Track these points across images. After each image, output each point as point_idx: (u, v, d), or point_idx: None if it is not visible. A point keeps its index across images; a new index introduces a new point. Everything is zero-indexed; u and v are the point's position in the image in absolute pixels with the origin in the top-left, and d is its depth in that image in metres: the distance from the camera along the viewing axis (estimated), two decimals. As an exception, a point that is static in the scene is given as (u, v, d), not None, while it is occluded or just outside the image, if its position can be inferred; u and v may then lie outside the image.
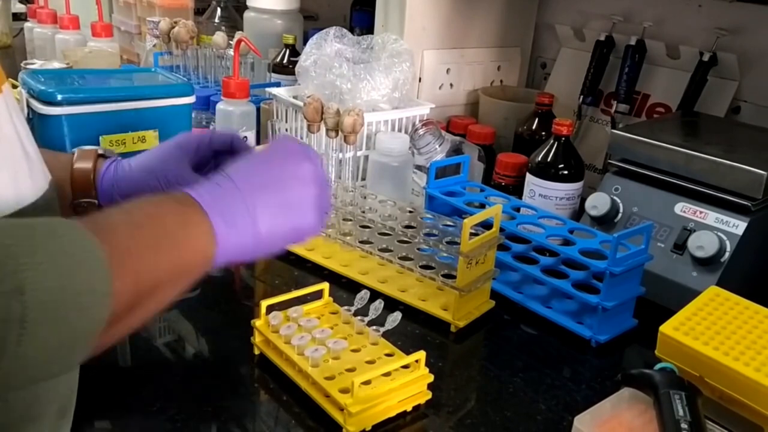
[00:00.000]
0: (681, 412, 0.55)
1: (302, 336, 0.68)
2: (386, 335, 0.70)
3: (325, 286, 0.76)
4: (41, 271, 0.37)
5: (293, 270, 0.90)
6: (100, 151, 0.68)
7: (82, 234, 0.41)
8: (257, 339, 0.71)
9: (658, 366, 0.61)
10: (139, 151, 0.96)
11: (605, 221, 0.90)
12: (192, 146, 0.68)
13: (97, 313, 0.40)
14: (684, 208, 0.84)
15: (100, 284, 0.40)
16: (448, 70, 1.26)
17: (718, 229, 0.81)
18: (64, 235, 0.40)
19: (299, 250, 0.92)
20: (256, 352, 0.71)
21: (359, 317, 0.72)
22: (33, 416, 0.49)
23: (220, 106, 1.16)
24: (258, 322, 0.70)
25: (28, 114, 0.96)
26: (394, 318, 0.71)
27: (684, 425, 0.53)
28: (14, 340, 0.36)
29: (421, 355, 0.64)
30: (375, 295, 0.77)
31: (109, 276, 0.40)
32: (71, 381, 0.54)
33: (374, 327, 0.70)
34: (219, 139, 0.69)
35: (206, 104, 1.28)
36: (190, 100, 1.03)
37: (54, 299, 0.37)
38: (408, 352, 0.65)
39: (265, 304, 0.70)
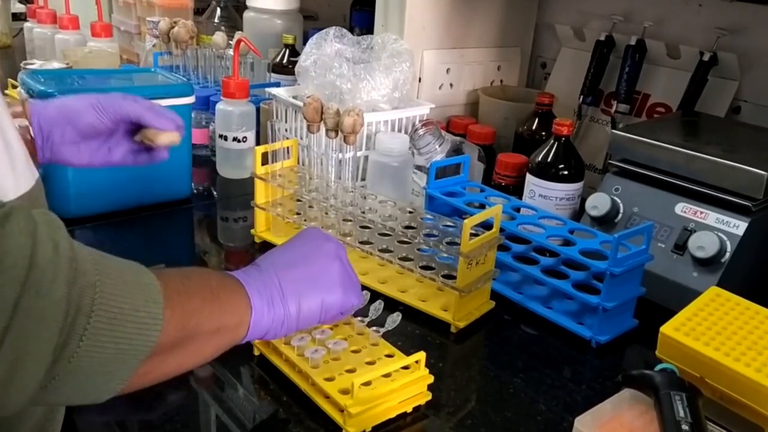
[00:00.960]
0: (682, 413, 0.54)
1: (302, 337, 0.67)
2: (386, 336, 0.70)
3: None
4: (111, 280, 0.42)
5: (293, 270, 0.89)
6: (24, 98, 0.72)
7: (143, 267, 0.46)
8: (257, 340, 0.70)
9: (658, 367, 0.61)
10: (138, 152, 0.96)
11: (605, 221, 0.90)
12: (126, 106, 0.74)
13: (150, 333, 0.44)
14: (684, 209, 0.84)
15: (155, 307, 0.45)
16: (448, 70, 1.26)
17: (718, 229, 0.81)
18: (129, 263, 0.46)
19: (299, 250, 0.91)
20: (256, 352, 0.71)
21: (359, 318, 0.72)
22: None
23: (219, 106, 1.16)
24: (258, 323, 0.70)
25: (28, 114, 0.96)
26: (394, 319, 0.71)
27: (685, 426, 0.53)
28: (79, 333, 0.40)
29: (421, 356, 0.64)
30: (375, 295, 0.77)
31: (162, 302, 0.45)
32: None
33: (374, 328, 0.70)
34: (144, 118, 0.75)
35: (206, 104, 1.28)
36: (190, 100, 1.03)
37: (117, 306, 0.42)
38: (408, 353, 0.65)
39: None
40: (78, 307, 0.40)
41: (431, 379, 0.65)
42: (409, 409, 0.64)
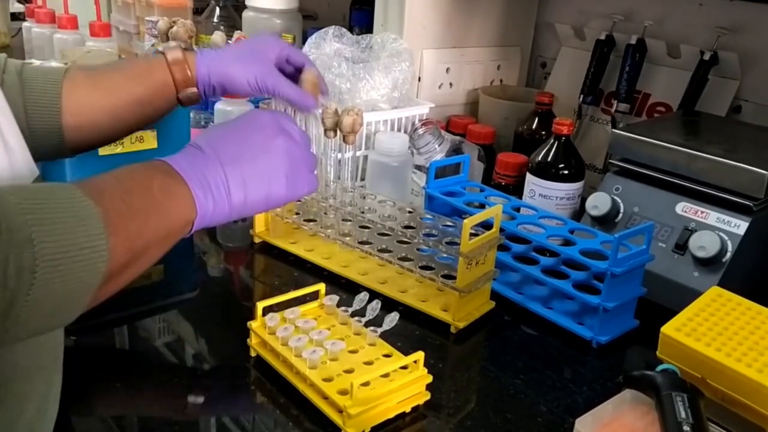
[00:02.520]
0: (683, 414, 0.54)
1: (300, 338, 0.67)
2: (386, 336, 0.70)
3: (321, 286, 0.75)
4: (47, 225, 0.42)
5: (293, 271, 0.89)
6: (183, 46, 0.75)
7: (79, 195, 0.45)
8: (253, 341, 0.70)
9: (659, 367, 0.61)
10: (137, 152, 0.96)
11: (606, 221, 0.89)
12: (275, 51, 0.76)
13: (98, 266, 0.44)
14: (685, 208, 0.84)
15: (99, 239, 0.44)
16: (447, 70, 1.26)
17: (719, 229, 0.80)
18: (63, 195, 0.44)
19: (298, 250, 0.91)
20: (253, 354, 0.70)
21: (357, 318, 0.71)
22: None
23: (218, 106, 1.15)
24: (254, 324, 0.70)
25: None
26: (392, 318, 0.70)
27: (686, 427, 0.53)
28: (25, 289, 0.40)
29: (420, 355, 0.63)
30: (373, 295, 0.77)
31: (106, 232, 0.45)
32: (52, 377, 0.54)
33: (372, 328, 0.70)
34: (294, 57, 0.78)
35: (205, 104, 1.27)
36: (189, 99, 1.03)
37: (60, 251, 0.42)
38: (408, 353, 0.65)
39: (261, 305, 0.70)
40: (19, 265, 0.40)
41: (430, 378, 0.65)
42: (408, 409, 0.64)
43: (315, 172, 0.65)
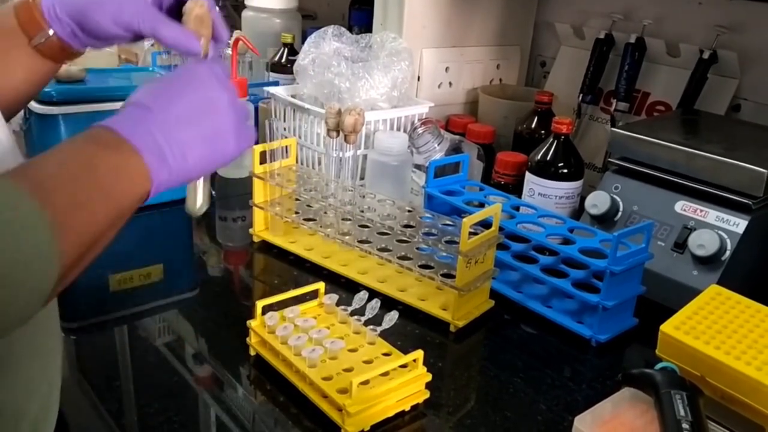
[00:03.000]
0: (682, 412, 0.54)
1: (299, 336, 0.67)
2: (386, 335, 0.70)
3: (320, 285, 0.75)
4: None
5: (292, 270, 0.89)
6: None
7: (23, 197, 0.40)
8: (253, 340, 0.70)
9: (658, 366, 0.61)
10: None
11: (605, 220, 0.89)
12: None
13: (46, 274, 0.41)
14: (684, 207, 0.84)
15: (46, 247, 0.40)
16: (447, 69, 1.26)
17: (718, 227, 0.80)
18: (5, 200, 0.40)
19: (298, 249, 0.91)
20: (252, 353, 0.70)
21: (356, 317, 0.71)
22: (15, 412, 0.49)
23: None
24: (254, 323, 0.70)
25: (25, 113, 0.95)
26: (391, 317, 0.70)
27: (685, 425, 0.53)
28: None
29: (419, 354, 0.63)
30: (374, 294, 0.77)
31: (54, 239, 0.41)
32: (52, 380, 0.54)
33: (371, 326, 0.70)
34: None
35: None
36: (188, 99, 1.03)
37: (3, 264, 0.38)
38: (407, 352, 0.65)
39: (260, 304, 0.70)
40: None
41: (429, 377, 0.65)
42: (408, 408, 0.64)
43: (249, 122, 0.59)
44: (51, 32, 0.59)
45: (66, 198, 0.43)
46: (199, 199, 0.60)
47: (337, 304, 0.74)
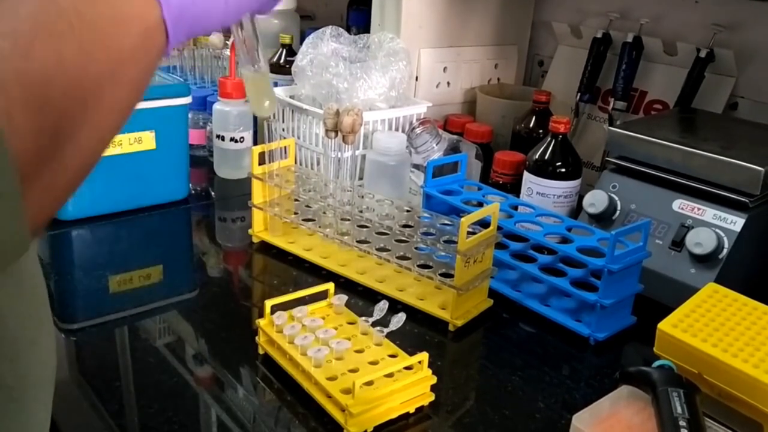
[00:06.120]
0: (679, 410, 0.54)
1: (306, 336, 0.67)
2: (388, 336, 0.70)
3: (330, 286, 0.76)
4: None
5: (291, 270, 0.90)
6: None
7: None
8: (262, 339, 0.71)
9: (656, 363, 0.61)
10: (136, 153, 0.97)
11: (603, 219, 0.89)
12: None
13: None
14: (682, 205, 0.84)
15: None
16: (445, 69, 1.26)
17: (716, 225, 0.81)
18: None
19: (297, 250, 0.92)
20: (261, 351, 0.71)
21: (364, 318, 0.72)
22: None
23: (216, 106, 1.15)
24: (262, 322, 0.70)
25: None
26: (399, 319, 0.71)
27: (682, 423, 0.53)
28: None
29: (424, 356, 0.64)
30: (377, 295, 0.77)
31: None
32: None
33: (378, 328, 0.70)
34: None
35: (203, 105, 1.28)
36: (187, 100, 1.03)
37: None
38: (407, 351, 0.65)
39: (269, 303, 0.70)
40: None
41: (434, 379, 0.65)
42: (412, 410, 0.64)
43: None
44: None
45: (14, 22, 0.26)
46: (264, 98, 0.55)
47: (346, 305, 0.74)
